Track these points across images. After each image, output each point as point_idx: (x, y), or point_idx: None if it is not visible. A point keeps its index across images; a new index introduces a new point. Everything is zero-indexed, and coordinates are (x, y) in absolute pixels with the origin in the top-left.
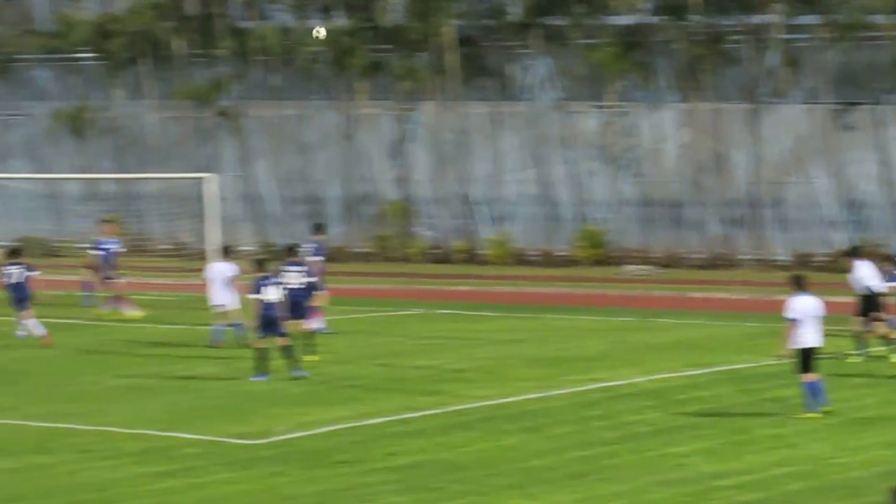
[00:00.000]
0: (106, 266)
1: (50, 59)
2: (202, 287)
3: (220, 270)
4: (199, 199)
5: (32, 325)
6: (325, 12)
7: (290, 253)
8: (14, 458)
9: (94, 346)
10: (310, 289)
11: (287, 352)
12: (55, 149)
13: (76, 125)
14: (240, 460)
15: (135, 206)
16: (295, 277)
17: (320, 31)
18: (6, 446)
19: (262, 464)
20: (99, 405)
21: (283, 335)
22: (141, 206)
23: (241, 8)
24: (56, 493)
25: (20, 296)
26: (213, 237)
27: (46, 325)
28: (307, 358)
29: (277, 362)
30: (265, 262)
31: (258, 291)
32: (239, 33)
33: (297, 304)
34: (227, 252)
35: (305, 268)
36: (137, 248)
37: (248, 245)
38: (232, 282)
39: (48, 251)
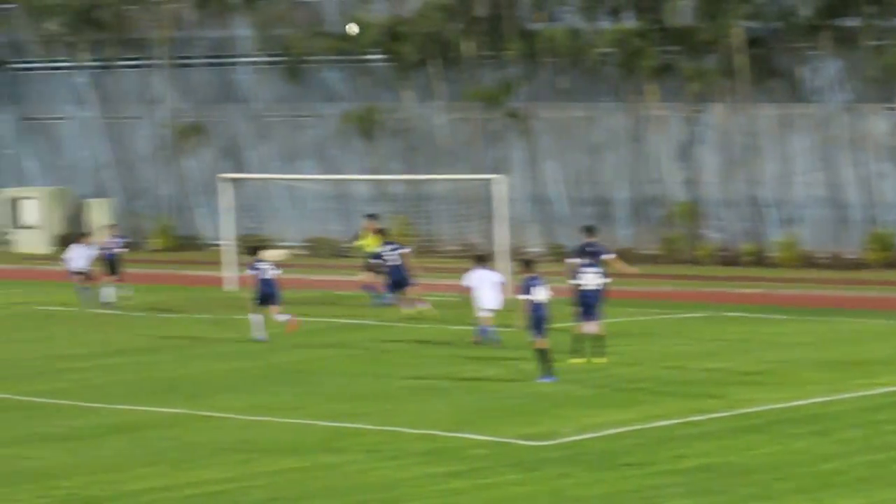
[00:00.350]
0: (395, 274)
1: (340, 61)
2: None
3: (485, 277)
4: (487, 200)
5: (256, 320)
6: (615, 14)
7: (584, 254)
8: (302, 457)
9: (380, 346)
10: (603, 290)
11: (543, 354)
12: (345, 150)
13: (366, 126)
14: (526, 461)
15: (424, 207)
16: (591, 279)
17: (353, 28)
18: (294, 446)
19: (549, 465)
20: (385, 405)
21: (545, 337)
22: (430, 207)
23: (530, 9)
24: (344, 492)
25: (268, 292)
26: (502, 238)
27: (334, 325)
28: (595, 360)
29: (558, 363)
30: (533, 263)
31: (527, 292)
32: (528, 35)
33: (591, 305)
34: (485, 259)
35: (602, 269)
36: (426, 248)
37: (535, 246)
38: (500, 288)
39: (337, 252)
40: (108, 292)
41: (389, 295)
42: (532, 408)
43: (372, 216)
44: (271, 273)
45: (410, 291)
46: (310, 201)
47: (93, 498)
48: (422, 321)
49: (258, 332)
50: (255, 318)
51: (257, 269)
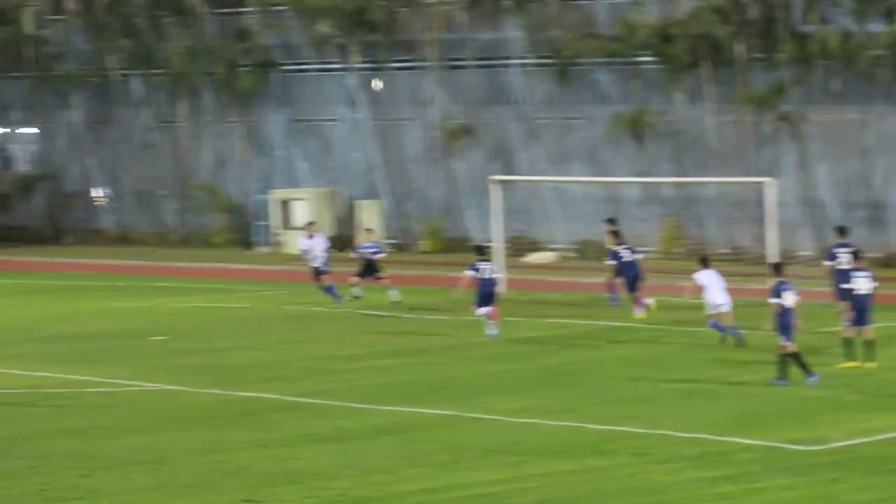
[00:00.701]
0: (629, 271)
1: (610, 63)
2: (760, 293)
3: (712, 277)
4: (758, 203)
5: (490, 324)
6: (888, 16)
7: (856, 257)
8: (572, 459)
9: (645, 349)
10: (873, 294)
11: (795, 358)
12: (615, 152)
13: (636, 129)
14: (796, 466)
15: (694, 210)
16: (863, 283)
17: (378, 84)
18: (565, 448)
19: (820, 470)
20: (654, 408)
21: (792, 341)
22: (700, 210)
23: (802, 12)
24: (613, 495)
25: (487, 292)
26: (772, 242)
27: (600, 328)
28: (867, 364)
29: (826, 367)
30: (782, 267)
31: (777, 296)
32: (800, 37)
33: (862, 309)
34: (706, 262)
35: (870, 273)
36: (695, 252)
37: (805, 250)
38: (726, 289)
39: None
40: (394, 294)
41: (626, 294)
42: (801, 412)
43: (611, 220)
44: (491, 273)
45: (641, 292)
46: (579, 204)
47: (361, 499)
48: (690, 325)
49: (490, 330)
50: (485, 314)
51: (477, 269)
